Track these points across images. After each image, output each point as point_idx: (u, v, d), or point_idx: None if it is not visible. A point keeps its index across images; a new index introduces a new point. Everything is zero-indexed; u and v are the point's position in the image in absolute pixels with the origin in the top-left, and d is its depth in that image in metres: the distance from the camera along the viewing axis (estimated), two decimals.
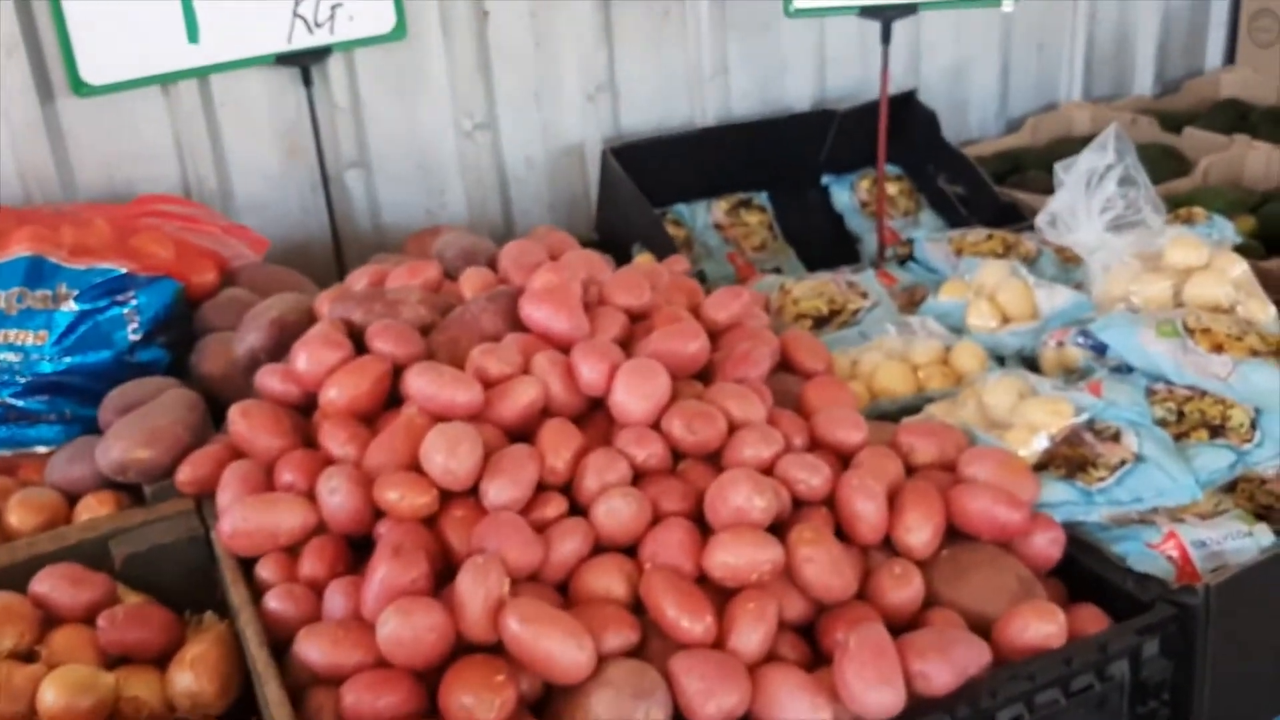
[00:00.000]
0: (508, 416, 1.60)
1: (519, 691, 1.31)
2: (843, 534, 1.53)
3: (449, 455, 1.48)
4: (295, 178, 2.69)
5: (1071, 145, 3.34)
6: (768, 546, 1.40)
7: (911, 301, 2.34)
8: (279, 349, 1.90)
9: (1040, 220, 2.00)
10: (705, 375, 1.80)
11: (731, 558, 1.40)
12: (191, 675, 1.46)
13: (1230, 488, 1.68)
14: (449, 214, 2.85)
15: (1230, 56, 3.85)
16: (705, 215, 2.97)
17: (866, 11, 2.47)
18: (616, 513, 1.46)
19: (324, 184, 2.63)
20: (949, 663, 1.34)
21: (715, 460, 1.60)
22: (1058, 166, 1.97)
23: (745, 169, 3.02)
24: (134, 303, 2.02)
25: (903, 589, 1.46)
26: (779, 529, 1.50)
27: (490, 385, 1.63)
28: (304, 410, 1.76)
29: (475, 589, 1.34)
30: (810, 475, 1.53)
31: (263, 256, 2.44)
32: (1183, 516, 1.58)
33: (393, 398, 1.70)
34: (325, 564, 1.50)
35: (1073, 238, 1.97)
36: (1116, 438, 1.64)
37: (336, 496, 1.52)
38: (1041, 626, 1.40)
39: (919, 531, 1.51)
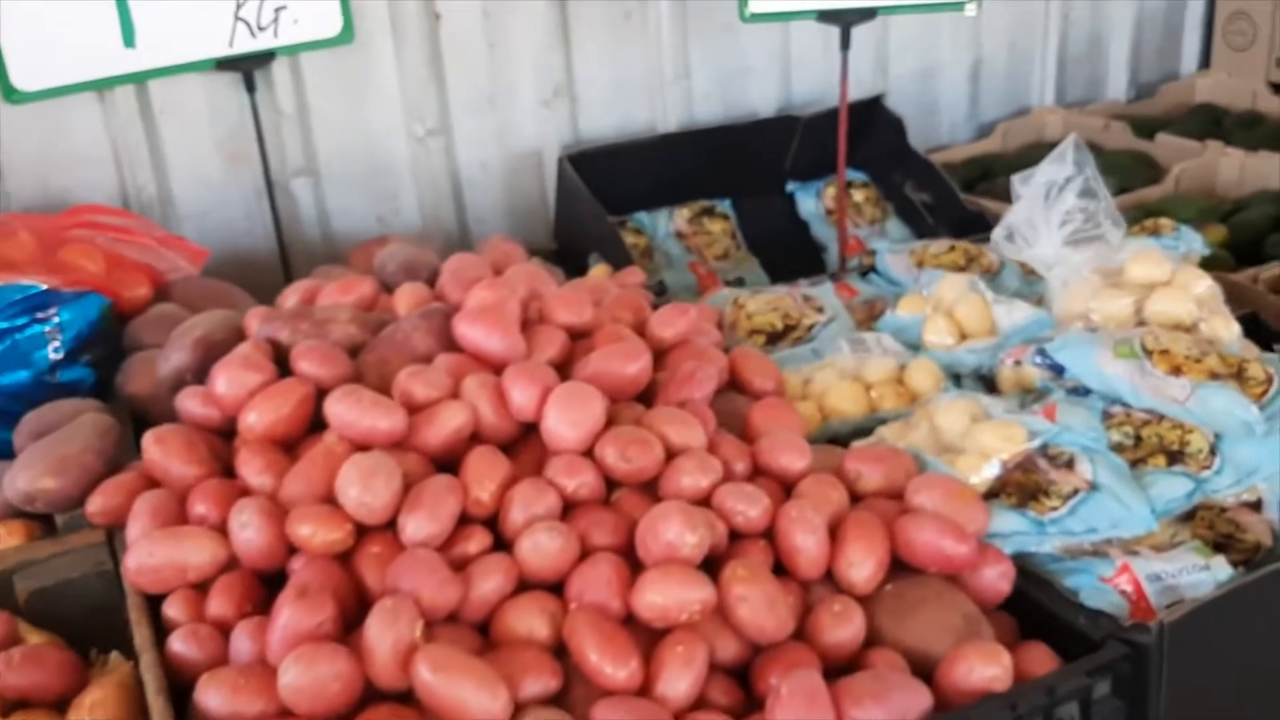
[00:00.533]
0: (433, 443, 1.52)
1: None
2: (784, 567, 1.46)
3: (363, 488, 1.40)
4: (239, 185, 2.61)
5: (1043, 151, 3.23)
6: (698, 585, 1.33)
7: (871, 315, 2.27)
8: (206, 369, 1.81)
9: (997, 234, 1.93)
10: (649, 396, 1.73)
11: (660, 597, 1.33)
12: None
13: (1189, 516, 1.61)
14: (401, 221, 2.77)
15: (1205, 60, 3.79)
16: (666, 223, 2.89)
17: (825, 16, 2.39)
18: (541, 548, 1.39)
19: (269, 192, 2.55)
20: (886, 709, 1.27)
21: (652, 489, 1.52)
22: (1015, 179, 1.91)
23: (708, 175, 2.94)
24: (56, 320, 1.94)
25: (842, 628, 1.38)
26: (716, 562, 1.43)
27: (416, 410, 1.55)
28: (228, 435, 1.68)
29: (384, 634, 1.27)
30: (748, 506, 1.45)
31: (201, 269, 2.36)
32: (1137, 549, 1.51)
33: (318, 423, 1.62)
34: (233, 603, 1.42)
35: (1031, 252, 1.90)
36: (1070, 465, 1.57)
37: (247, 531, 1.44)
38: (986, 669, 1.33)
39: (861, 566, 1.44)
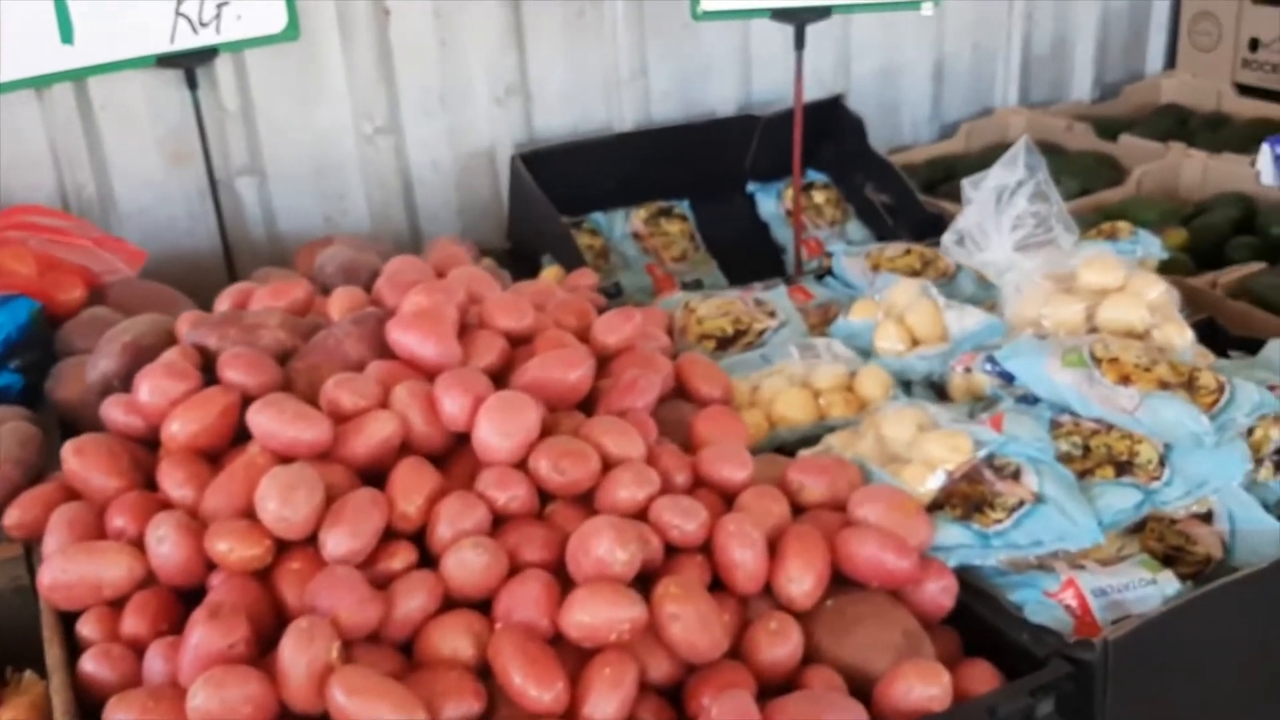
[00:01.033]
0: (360, 455, 1.47)
1: None
2: (722, 582, 1.42)
3: (283, 502, 1.35)
4: (182, 185, 2.54)
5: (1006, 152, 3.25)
6: (627, 604, 1.28)
7: (826, 319, 2.23)
8: (134, 376, 1.76)
9: (947, 239, 1.89)
10: (593, 404, 1.69)
11: (588, 616, 1.28)
12: None
13: (1138, 527, 1.58)
14: (350, 221, 2.71)
15: (1171, 60, 3.77)
16: (623, 224, 2.84)
17: (778, 15, 2.35)
18: (467, 565, 1.34)
19: (212, 191, 2.49)
20: None
21: (589, 501, 1.48)
22: (965, 183, 1.87)
23: (666, 176, 2.89)
24: None
25: (779, 646, 1.34)
26: (651, 577, 1.39)
27: (344, 420, 1.50)
28: (153, 445, 1.62)
29: (299, 655, 1.22)
30: (685, 520, 1.41)
31: (140, 270, 2.30)
32: (1083, 562, 1.47)
33: (246, 433, 1.57)
34: (148, 621, 1.37)
35: (982, 257, 1.86)
36: (1017, 476, 1.54)
37: (164, 546, 1.39)
38: (924, 688, 1.29)
39: (800, 581, 1.39)
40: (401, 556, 1.37)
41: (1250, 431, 1.61)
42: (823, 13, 2.35)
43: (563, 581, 1.36)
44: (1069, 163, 3.13)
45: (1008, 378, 1.71)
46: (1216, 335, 2.08)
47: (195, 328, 1.72)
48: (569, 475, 1.44)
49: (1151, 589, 1.44)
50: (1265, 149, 2.80)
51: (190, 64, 2.40)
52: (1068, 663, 1.35)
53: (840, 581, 1.45)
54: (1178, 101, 3.53)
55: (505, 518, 1.43)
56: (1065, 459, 1.60)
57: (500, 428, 1.45)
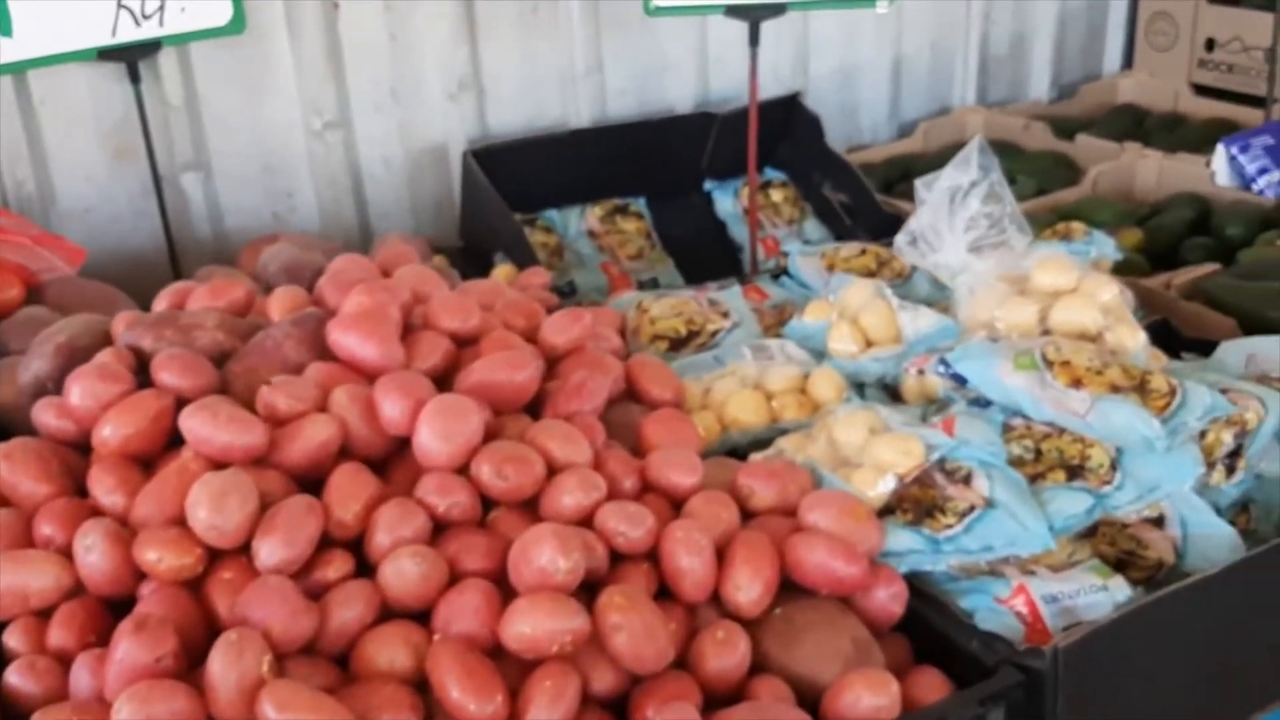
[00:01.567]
0: (296, 460, 1.43)
1: None
2: (669, 590, 1.39)
3: (214, 510, 1.31)
4: (125, 181, 2.48)
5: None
6: (569, 615, 1.25)
7: (781, 320, 2.20)
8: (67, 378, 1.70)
9: (900, 240, 1.87)
10: (540, 406, 1.65)
11: (528, 628, 1.25)
12: None
13: (1090, 532, 1.56)
14: (299, 218, 2.66)
15: (1128, 60, 3.78)
16: (578, 222, 2.81)
17: (732, 11, 2.32)
18: (404, 574, 1.30)
19: (156, 187, 2.43)
20: None
21: (533, 508, 1.44)
22: (918, 183, 1.85)
23: (622, 173, 2.86)
24: None
25: (726, 656, 1.31)
26: (597, 586, 1.35)
27: (280, 424, 1.46)
28: (86, 450, 1.57)
29: (228, 670, 1.18)
30: (631, 527, 1.38)
31: (81, 269, 2.24)
32: (1034, 568, 1.46)
33: (180, 438, 1.52)
34: (75, 633, 1.32)
35: (935, 259, 1.84)
36: (968, 480, 1.52)
37: (93, 555, 1.34)
38: (873, 698, 1.27)
39: (749, 589, 1.37)
40: (337, 565, 1.33)
41: (1202, 435, 1.60)
42: (778, 9, 2.33)
43: (505, 590, 1.33)
44: (1026, 162, 3.13)
45: (960, 380, 1.69)
46: (1170, 337, 2.07)
47: (130, 328, 1.67)
48: (512, 481, 1.40)
49: (1102, 595, 1.42)
50: (1221, 150, 2.81)
51: (133, 57, 2.34)
52: (1018, 671, 1.34)
53: (790, 588, 1.42)
54: (1134, 101, 3.54)
55: (446, 525, 1.40)
56: (1017, 463, 1.58)
57: (441, 432, 1.42)
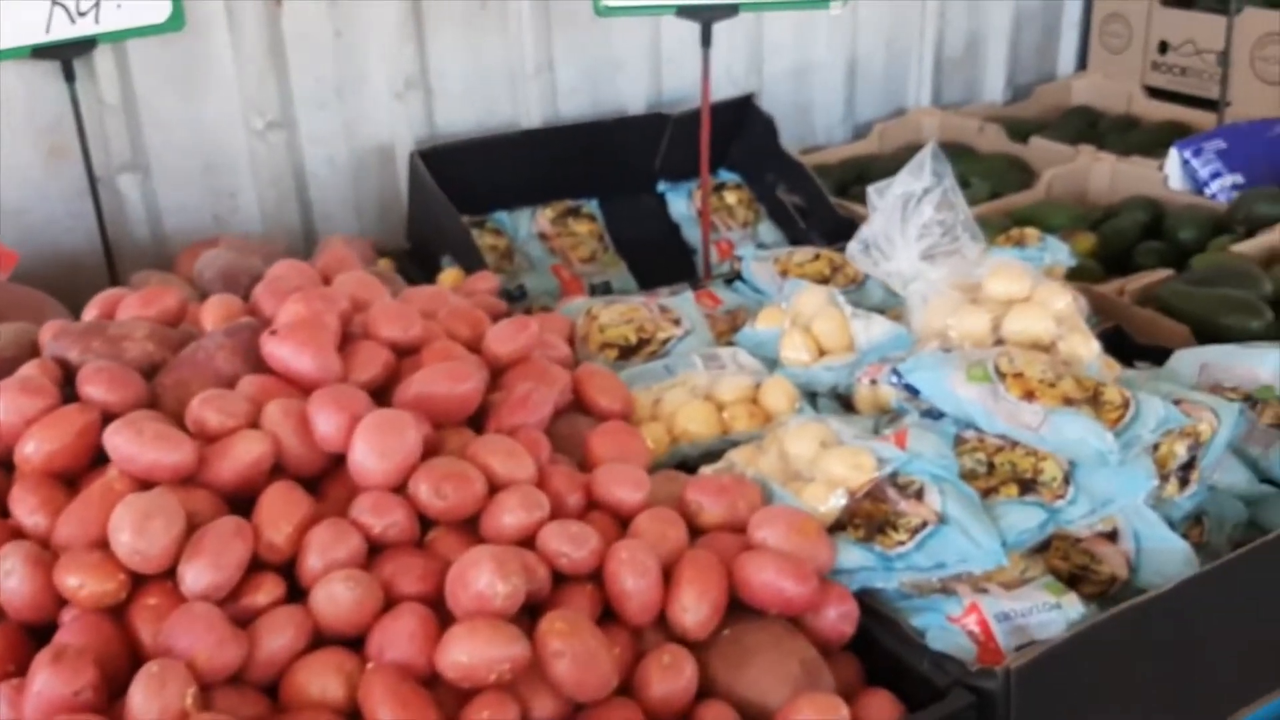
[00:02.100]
0: (226, 479, 1.38)
1: None
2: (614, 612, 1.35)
3: (137, 533, 1.25)
4: (59, 182, 2.40)
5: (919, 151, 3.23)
6: (508, 642, 1.21)
7: (734, 327, 2.17)
8: None
9: (853, 248, 1.84)
10: (484, 419, 1.61)
11: (465, 656, 1.20)
12: None
13: (1043, 546, 1.54)
14: (240, 220, 2.59)
15: (1083, 61, 3.79)
16: (529, 224, 2.75)
17: (684, 11, 2.28)
18: (337, 599, 1.25)
19: (92, 188, 2.35)
20: None
21: (474, 527, 1.40)
22: (871, 190, 1.82)
23: (574, 174, 2.81)
24: None
25: (672, 680, 1.28)
26: (539, 608, 1.31)
27: (211, 440, 1.41)
28: (10, 468, 1.50)
29: (149, 703, 1.12)
30: (574, 548, 1.33)
31: (10, 273, 2.16)
32: (986, 586, 1.43)
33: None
34: None
35: (888, 266, 1.82)
36: (920, 495, 1.49)
37: (12, 580, 1.28)
38: None
39: (695, 610, 1.33)
40: (267, 590, 1.28)
41: (1155, 447, 1.58)
42: (730, 10, 2.29)
43: (444, 614, 1.28)
44: (980, 165, 3.12)
45: (913, 391, 1.67)
46: (1123, 344, 2.06)
47: (57, 339, 1.61)
48: (451, 500, 1.36)
49: (1055, 613, 1.40)
50: (1174, 153, 2.80)
51: (67, 55, 2.26)
52: (970, 693, 1.31)
53: (739, 608, 1.39)
54: (1088, 103, 3.54)
55: (382, 546, 1.35)
56: (969, 476, 1.55)
57: (377, 449, 1.37)
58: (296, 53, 2.54)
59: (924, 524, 1.45)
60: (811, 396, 1.88)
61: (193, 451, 1.36)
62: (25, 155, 2.38)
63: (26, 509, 1.38)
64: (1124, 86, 3.50)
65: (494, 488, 1.40)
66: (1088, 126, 3.39)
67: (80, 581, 1.25)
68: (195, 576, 1.25)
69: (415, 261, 2.62)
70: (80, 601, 1.26)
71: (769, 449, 1.65)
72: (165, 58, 2.42)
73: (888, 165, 3.10)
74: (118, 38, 2.31)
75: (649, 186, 2.92)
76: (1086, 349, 1.74)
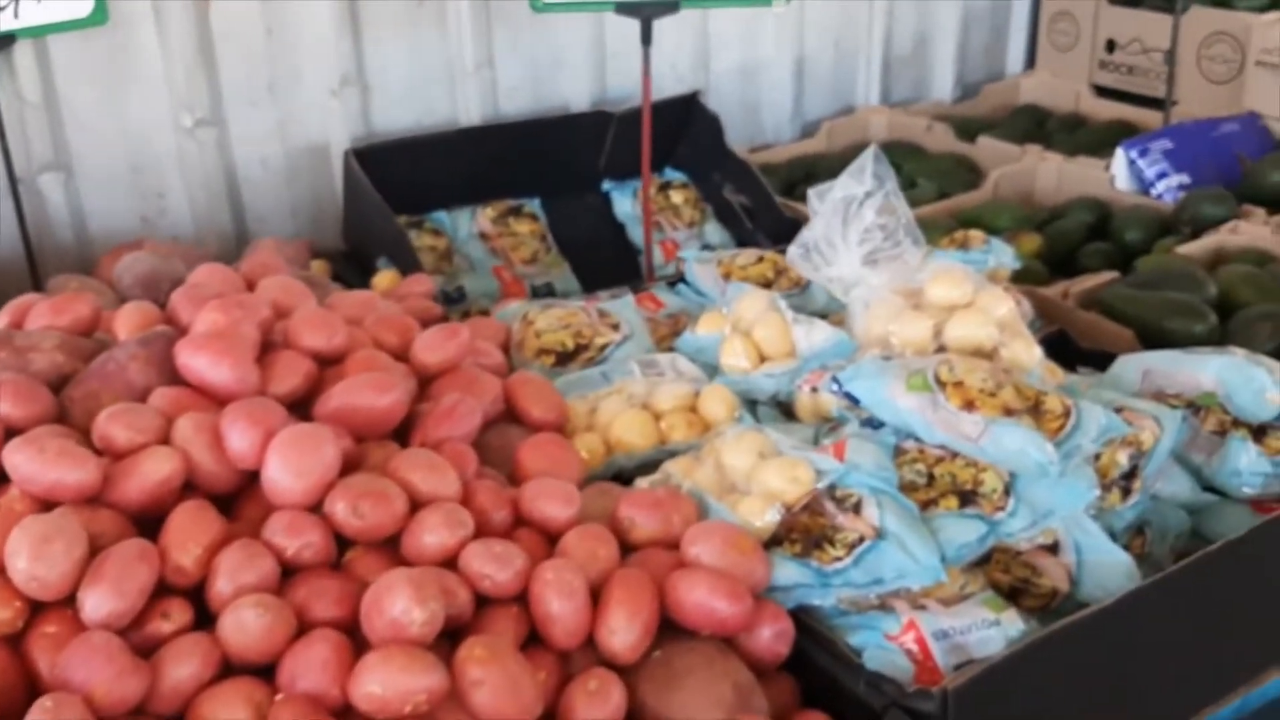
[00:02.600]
0: (134, 499, 1.31)
1: None
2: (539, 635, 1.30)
3: (35, 558, 1.19)
4: None
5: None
6: (424, 671, 1.15)
7: (675, 331, 2.12)
8: None
9: (793, 253, 1.80)
10: (410, 430, 1.55)
11: (379, 686, 1.15)
12: None
13: (984, 559, 1.51)
14: (169, 222, 2.51)
15: (1031, 60, 3.77)
16: (469, 224, 2.69)
17: (623, 8, 2.23)
18: (245, 627, 1.19)
19: (12, 189, 2.26)
20: None
21: (394, 546, 1.34)
22: (811, 193, 1.78)
23: (515, 173, 2.75)
24: None
25: (598, 707, 1.23)
26: (461, 633, 1.26)
27: (119, 457, 1.34)
28: None
29: None
30: (498, 569, 1.28)
31: None
32: (924, 602, 1.39)
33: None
34: None
35: (830, 271, 1.78)
36: (858, 508, 1.45)
37: None
38: None
39: (625, 633, 1.28)
40: (173, 617, 1.22)
41: (1097, 457, 1.55)
42: (671, 7, 2.24)
43: (360, 640, 1.23)
44: (928, 164, 3.10)
45: (854, 399, 1.63)
46: (1067, 348, 2.03)
47: None
48: (369, 519, 1.30)
49: (994, 630, 1.37)
50: (1120, 153, 2.79)
51: None
52: (906, 714, 1.27)
53: (672, 627, 1.34)
54: (1036, 102, 3.53)
55: (297, 568, 1.29)
56: (909, 488, 1.52)
57: (292, 466, 1.31)
58: (226, 49, 2.46)
59: (861, 539, 1.41)
60: (752, 404, 1.84)
61: (97, 470, 1.29)
62: None
63: None
64: (1072, 85, 3.49)
65: (416, 505, 1.35)
66: (1035, 125, 3.38)
67: None
68: (96, 604, 1.18)
69: (352, 263, 2.56)
70: None
71: (706, 460, 1.61)
72: (88, 54, 2.34)
73: (835, 164, 3.07)
74: (38, 33, 2.22)
75: (593, 186, 2.87)
76: (1028, 355, 1.71)
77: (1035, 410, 1.52)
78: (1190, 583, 1.45)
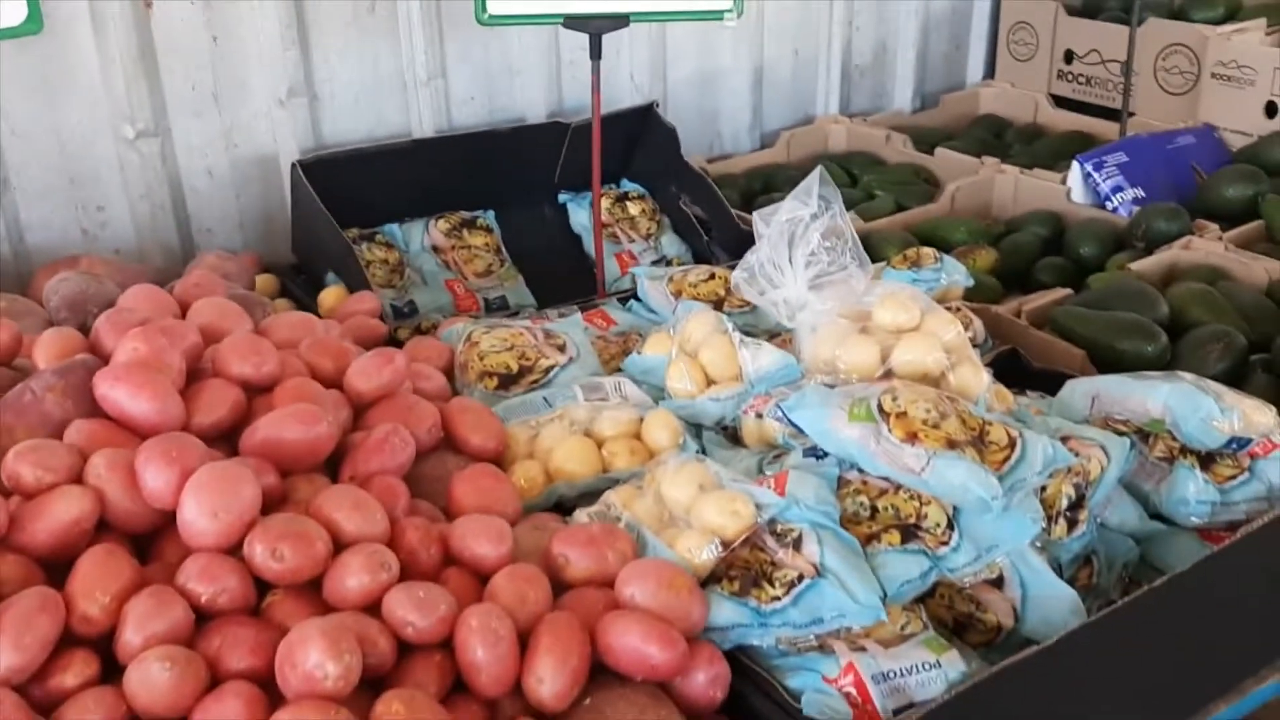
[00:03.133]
0: (42, 542, 1.26)
1: None
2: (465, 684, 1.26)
3: None
4: None
5: (828, 161, 3.17)
6: None
7: (626, 350, 2.08)
8: None
9: (737, 277, 1.76)
10: (340, 462, 1.51)
11: None
12: None
13: (928, 593, 1.48)
14: (111, 235, 2.45)
15: (991, 70, 3.76)
16: (421, 236, 2.64)
17: (572, 22, 2.19)
18: (151, 681, 1.14)
19: None
20: None
21: (317, 589, 1.30)
22: (756, 215, 1.74)
23: (469, 185, 2.71)
24: None
25: None
26: (381, 683, 1.22)
27: (29, 497, 1.29)
28: None
29: None
30: (421, 616, 1.24)
31: None
32: (864, 644, 1.36)
33: None
34: None
35: (775, 295, 1.74)
36: (798, 544, 1.41)
37: None
38: None
39: (552, 681, 1.24)
40: (76, 670, 1.17)
41: (1043, 488, 1.52)
42: (620, 20, 2.20)
43: (272, 697, 1.18)
44: (886, 175, 3.08)
45: (798, 427, 1.59)
46: (1019, 368, 2.01)
47: None
48: (289, 562, 1.26)
49: (935, 673, 1.33)
50: (1076, 167, 2.77)
51: None
52: None
53: (605, 671, 1.30)
54: (995, 112, 3.52)
55: (213, 615, 1.24)
56: (852, 520, 1.49)
57: (208, 507, 1.26)
58: (169, 58, 2.41)
59: (800, 577, 1.38)
60: (698, 428, 1.80)
61: (2, 511, 1.24)
62: None
63: None
64: (1030, 95, 3.48)
65: (341, 545, 1.31)
66: (994, 136, 3.37)
67: None
68: None
69: (302, 277, 2.51)
70: None
71: (647, 490, 1.57)
72: (23, 62, 2.27)
73: (794, 174, 3.05)
74: None
75: (550, 197, 2.83)
76: (976, 380, 1.68)
77: (980, 441, 1.49)
78: (1135, 619, 1.43)
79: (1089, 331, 2.09)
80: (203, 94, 2.48)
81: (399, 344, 2.02)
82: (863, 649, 1.35)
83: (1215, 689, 1.50)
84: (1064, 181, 2.79)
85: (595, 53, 2.21)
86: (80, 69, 2.33)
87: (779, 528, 1.45)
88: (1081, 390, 1.78)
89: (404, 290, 2.52)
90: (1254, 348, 2.11)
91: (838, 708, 1.30)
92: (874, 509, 1.50)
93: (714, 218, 2.75)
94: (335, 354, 1.68)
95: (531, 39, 2.83)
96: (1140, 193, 2.72)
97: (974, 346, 2.00)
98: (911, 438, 1.46)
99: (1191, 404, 1.64)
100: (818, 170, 1.72)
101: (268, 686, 1.18)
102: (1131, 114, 3.11)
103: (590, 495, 1.65)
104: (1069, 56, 3.47)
